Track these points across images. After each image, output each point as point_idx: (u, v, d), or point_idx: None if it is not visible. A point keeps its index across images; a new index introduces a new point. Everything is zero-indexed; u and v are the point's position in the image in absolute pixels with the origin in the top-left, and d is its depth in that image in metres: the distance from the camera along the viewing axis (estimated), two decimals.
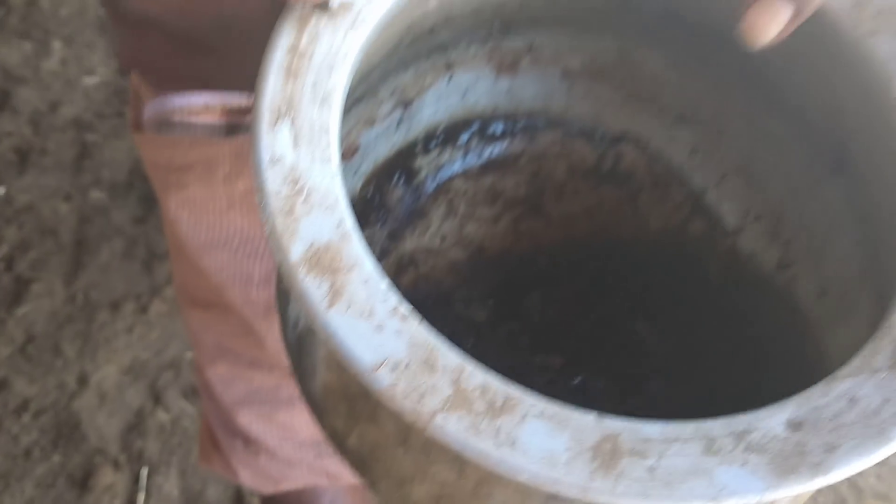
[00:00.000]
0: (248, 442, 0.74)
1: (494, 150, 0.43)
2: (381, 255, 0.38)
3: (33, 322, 1.06)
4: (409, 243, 0.39)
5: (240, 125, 0.53)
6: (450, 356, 0.24)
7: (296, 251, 0.25)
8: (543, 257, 0.40)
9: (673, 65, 0.41)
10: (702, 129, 0.42)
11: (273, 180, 0.26)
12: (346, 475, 0.77)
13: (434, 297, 0.32)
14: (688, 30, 0.39)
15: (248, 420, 0.71)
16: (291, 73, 0.27)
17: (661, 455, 0.23)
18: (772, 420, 0.24)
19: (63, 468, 0.97)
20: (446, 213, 0.41)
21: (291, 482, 0.79)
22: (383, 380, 0.23)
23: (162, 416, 1.01)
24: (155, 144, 0.54)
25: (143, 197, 1.16)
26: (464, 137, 0.42)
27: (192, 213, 0.54)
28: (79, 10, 1.30)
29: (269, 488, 0.80)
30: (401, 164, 0.41)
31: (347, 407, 0.30)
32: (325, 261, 0.25)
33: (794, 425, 0.24)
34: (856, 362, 0.26)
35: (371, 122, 0.40)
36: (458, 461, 0.25)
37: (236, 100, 0.51)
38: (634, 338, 0.39)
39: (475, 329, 0.36)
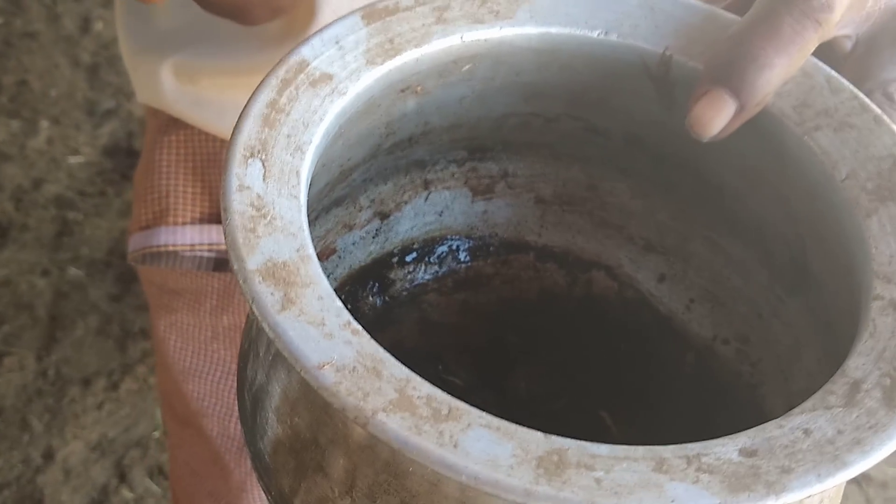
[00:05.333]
0: None
1: (469, 268, 0.44)
2: None
3: (3, 395, 1.04)
4: (380, 341, 0.39)
5: (228, 261, 0.55)
6: (397, 368, 0.24)
7: (253, 261, 0.26)
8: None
9: (638, 194, 0.44)
10: (668, 256, 0.44)
11: (239, 202, 0.27)
12: None
13: (416, 353, 0.32)
14: (650, 156, 0.41)
15: None
16: (268, 123, 0.29)
17: (609, 469, 0.23)
18: (725, 447, 0.24)
19: None
20: (418, 319, 0.42)
21: None
22: (328, 377, 0.23)
23: (126, 494, 0.98)
24: None
25: (120, 275, 1.16)
26: (439, 254, 0.44)
27: (179, 337, 0.55)
28: (67, 91, 1.36)
29: None
30: (376, 273, 0.42)
31: (295, 462, 0.29)
32: (281, 274, 0.26)
33: (748, 452, 0.24)
34: (809, 403, 0.25)
35: (349, 228, 0.41)
36: None
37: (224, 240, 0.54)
38: (599, 426, 0.38)
39: (449, 391, 0.36)
